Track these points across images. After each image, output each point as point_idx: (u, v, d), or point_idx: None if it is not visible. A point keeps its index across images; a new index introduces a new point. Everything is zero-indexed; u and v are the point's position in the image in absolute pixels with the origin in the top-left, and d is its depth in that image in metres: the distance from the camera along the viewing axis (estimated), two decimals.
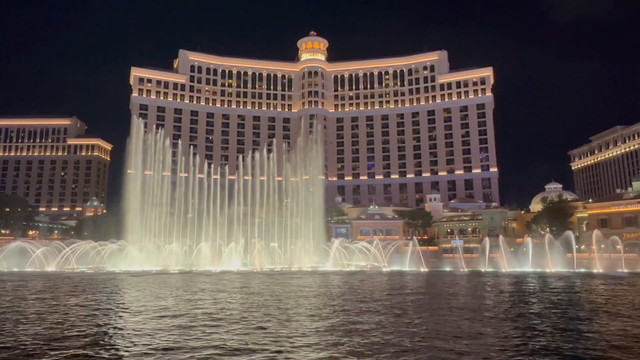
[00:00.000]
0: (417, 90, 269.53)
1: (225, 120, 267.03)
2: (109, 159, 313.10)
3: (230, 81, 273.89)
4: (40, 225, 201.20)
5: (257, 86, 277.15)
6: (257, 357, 22.22)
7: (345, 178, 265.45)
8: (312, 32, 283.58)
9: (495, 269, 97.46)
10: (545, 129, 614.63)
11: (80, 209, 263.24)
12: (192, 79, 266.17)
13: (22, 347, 24.21)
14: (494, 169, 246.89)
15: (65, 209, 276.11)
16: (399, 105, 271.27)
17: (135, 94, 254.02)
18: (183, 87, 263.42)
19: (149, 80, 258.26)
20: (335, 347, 24.15)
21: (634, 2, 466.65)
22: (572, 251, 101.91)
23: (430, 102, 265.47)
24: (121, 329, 29.68)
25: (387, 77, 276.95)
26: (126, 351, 23.30)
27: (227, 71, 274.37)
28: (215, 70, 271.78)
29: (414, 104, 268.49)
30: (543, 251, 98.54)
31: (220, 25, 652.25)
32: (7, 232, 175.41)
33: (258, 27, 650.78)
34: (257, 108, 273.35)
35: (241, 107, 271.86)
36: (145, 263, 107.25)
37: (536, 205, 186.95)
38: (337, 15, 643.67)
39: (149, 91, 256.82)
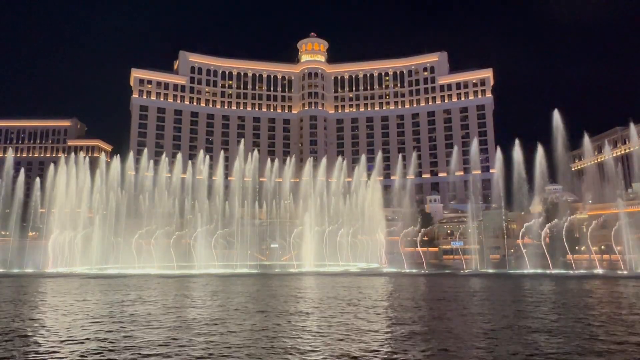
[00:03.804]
0: (417, 91, 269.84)
1: (226, 121, 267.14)
2: (109, 160, 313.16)
3: (230, 82, 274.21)
4: (40, 226, 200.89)
5: (257, 87, 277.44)
6: None
7: (346, 179, 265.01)
8: (312, 33, 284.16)
9: (495, 270, 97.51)
10: (545, 130, 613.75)
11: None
12: (192, 80, 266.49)
13: None
14: (493, 170, 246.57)
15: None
16: (399, 107, 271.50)
17: (135, 95, 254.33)
18: (183, 88, 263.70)
19: (149, 82, 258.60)
20: None
21: (634, 3, 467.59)
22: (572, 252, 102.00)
23: (430, 103, 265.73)
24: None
25: (387, 78, 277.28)
26: None
27: (227, 72, 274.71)
28: (215, 72, 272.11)
29: (414, 105, 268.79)
30: (542, 252, 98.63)
31: (220, 27, 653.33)
32: (7, 233, 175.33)
33: (258, 28, 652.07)
34: (257, 109, 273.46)
35: (241, 108, 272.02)
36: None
37: (536, 207, 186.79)
38: (337, 16, 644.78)
39: (149, 92, 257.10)
